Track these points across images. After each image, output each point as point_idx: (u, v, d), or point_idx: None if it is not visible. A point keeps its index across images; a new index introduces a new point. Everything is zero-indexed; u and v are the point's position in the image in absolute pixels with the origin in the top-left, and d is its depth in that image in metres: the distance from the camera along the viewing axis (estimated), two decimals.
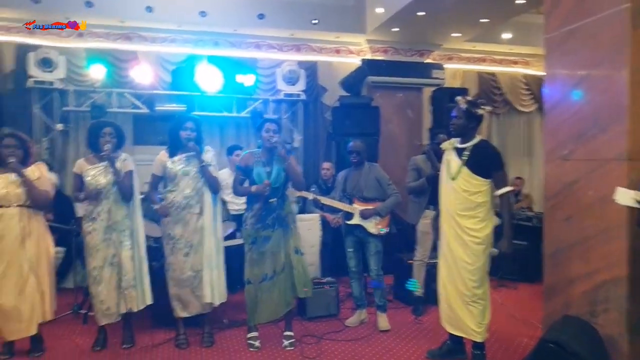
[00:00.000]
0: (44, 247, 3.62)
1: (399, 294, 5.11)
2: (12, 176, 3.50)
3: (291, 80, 6.75)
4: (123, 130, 3.85)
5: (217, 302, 3.84)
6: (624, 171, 2.85)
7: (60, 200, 5.08)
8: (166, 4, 6.22)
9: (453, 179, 3.40)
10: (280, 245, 3.79)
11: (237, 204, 5.28)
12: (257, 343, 3.82)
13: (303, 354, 3.72)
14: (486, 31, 6.92)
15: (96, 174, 3.66)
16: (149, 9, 6.14)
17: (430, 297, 4.65)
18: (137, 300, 3.73)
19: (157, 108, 6.29)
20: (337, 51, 7.38)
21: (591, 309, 3.05)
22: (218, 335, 4.04)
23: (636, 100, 2.83)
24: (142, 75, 6.12)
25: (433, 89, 7.26)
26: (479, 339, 3.41)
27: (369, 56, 7.19)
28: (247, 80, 6.37)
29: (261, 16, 6.55)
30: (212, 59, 6.31)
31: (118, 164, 3.68)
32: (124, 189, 3.69)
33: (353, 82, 6.90)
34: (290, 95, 6.80)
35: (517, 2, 5.70)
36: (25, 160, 3.57)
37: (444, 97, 6.80)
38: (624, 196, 2.75)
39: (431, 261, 4.60)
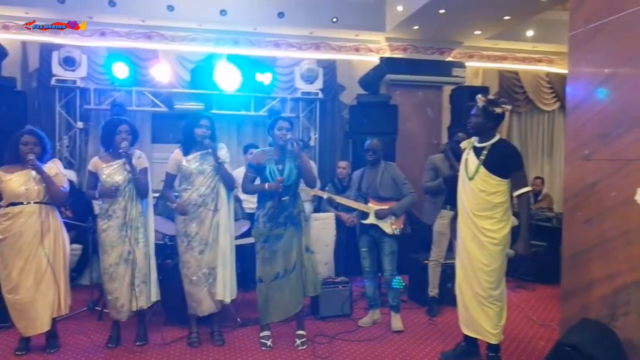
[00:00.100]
0: (60, 243, 3.66)
1: (413, 294, 5.05)
2: (32, 173, 3.55)
3: (309, 78, 6.75)
4: (136, 128, 3.87)
5: (228, 300, 3.85)
6: None
7: (79, 198, 5.18)
8: (187, 3, 6.26)
9: (470, 178, 3.34)
10: (292, 244, 3.78)
11: (252, 202, 5.25)
12: (269, 342, 3.81)
13: (315, 353, 3.71)
14: (508, 29, 6.78)
15: (112, 172, 3.68)
16: (170, 8, 6.20)
17: (445, 297, 4.61)
18: (145, 296, 3.76)
19: (176, 106, 6.35)
20: (357, 49, 7.34)
21: (611, 312, 2.98)
22: (231, 334, 4.05)
23: None
24: (162, 73, 6.20)
25: (453, 87, 7.17)
26: (494, 341, 3.35)
27: (387, 54, 7.14)
28: (265, 78, 6.39)
29: (281, 15, 6.55)
30: (231, 58, 6.35)
31: (134, 161, 3.70)
32: (140, 186, 3.71)
33: (371, 80, 6.85)
34: (308, 93, 6.79)
35: None
36: (43, 157, 3.62)
37: (464, 95, 6.74)
38: None
39: (447, 261, 4.54)
